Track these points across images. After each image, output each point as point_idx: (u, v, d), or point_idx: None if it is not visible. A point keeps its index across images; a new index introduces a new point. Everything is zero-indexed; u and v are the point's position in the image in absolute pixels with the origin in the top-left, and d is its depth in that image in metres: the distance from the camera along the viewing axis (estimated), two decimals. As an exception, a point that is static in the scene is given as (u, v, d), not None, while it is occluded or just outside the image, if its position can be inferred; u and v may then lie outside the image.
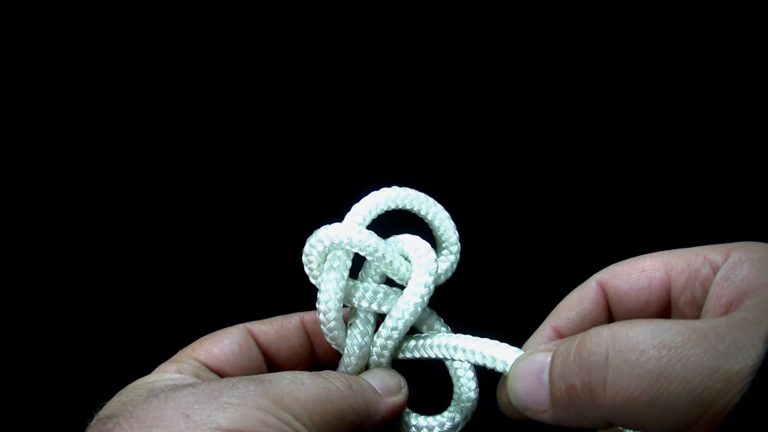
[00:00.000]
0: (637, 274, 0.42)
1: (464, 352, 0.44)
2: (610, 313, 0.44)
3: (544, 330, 0.44)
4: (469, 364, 0.46)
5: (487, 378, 0.45)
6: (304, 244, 0.45)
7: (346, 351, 0.46)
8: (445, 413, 0.46)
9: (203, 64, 0.73)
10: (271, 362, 0.47)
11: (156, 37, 0.72)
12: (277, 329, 0.47)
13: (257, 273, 0.72)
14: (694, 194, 0.71)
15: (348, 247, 0.44)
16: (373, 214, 0.45)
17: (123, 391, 0.42)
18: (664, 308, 0.42)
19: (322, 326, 0.45)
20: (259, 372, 0.46)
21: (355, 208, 0.45)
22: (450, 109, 0.74)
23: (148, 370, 0.45)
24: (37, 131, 0.72)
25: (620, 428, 0.39)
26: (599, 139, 0.73)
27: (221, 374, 0.45)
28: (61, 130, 0.72)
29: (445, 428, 0.45)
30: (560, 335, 0.44)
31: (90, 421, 0.40)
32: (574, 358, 0.35)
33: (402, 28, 0.73)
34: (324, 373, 0.42)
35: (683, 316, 0.41)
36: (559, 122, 0.74)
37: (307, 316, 0.48)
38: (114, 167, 0.72)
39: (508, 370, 0.41)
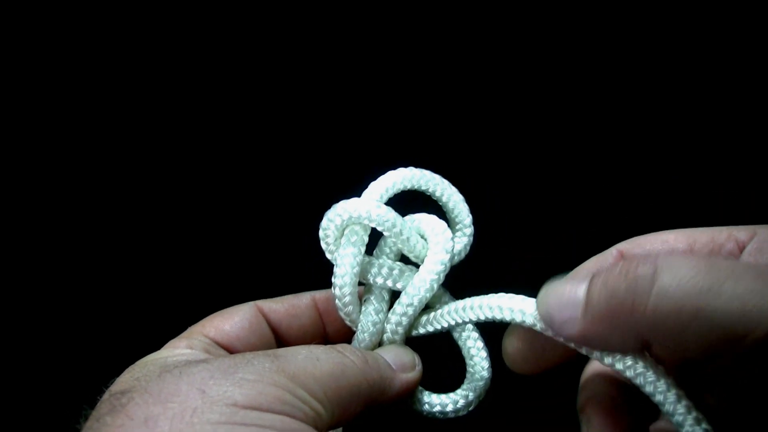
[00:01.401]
0: (659, 244, 0.41)
1: (480, 309, 0.43)
2: None
3: None
4: (482, 344, 0.46)
5: (500, 357, 0.45)
6: (309, 230, 0.45)
7: (360, 327, 0.45)
8: (458, 391, 0.45)
9: (207, 62, 0.73)
10: (282, 341, 0.47)
11: (156, 38, 0.72)
12: (288, 307, 0.47)
13: (266, 256, 0.71)
14: (694, 194, 0.71)
15: (366, 222, 0.44)
16: (390, 193, 0.45)
17: (134, 366, 0.41)
18: None
19: (336, 301, 0.45)
20: (267, 347, 0.45)
21: (373, 185, 0.45)
22: (450, 109, 0.75)
23: (157, 348, 0.44)
24: (38, 131, 0.72)
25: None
26: (599, 139, 0.74)
27: (231, 351, 0.44)
28: (62, 130, 0.72)
29: (458, 406, 0.45)
30: None
31: (101, 397, 0.40)
32: (621, 270, 0.34)
33: (403, 29, 0.73)
34: (339, 346, 0.41)
35: None
36: (559, 123, 0.74)
37: (318, 295, 0.47)
38: (128, 154, 0.72)
39: (527, 319, 0.40)
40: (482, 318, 0.43)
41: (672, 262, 0.32)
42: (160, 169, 0.73)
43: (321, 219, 0.45)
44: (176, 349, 0.43)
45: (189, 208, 0.72)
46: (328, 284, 0.46)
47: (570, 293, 0.36)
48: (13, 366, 0.69)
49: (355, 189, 0.47)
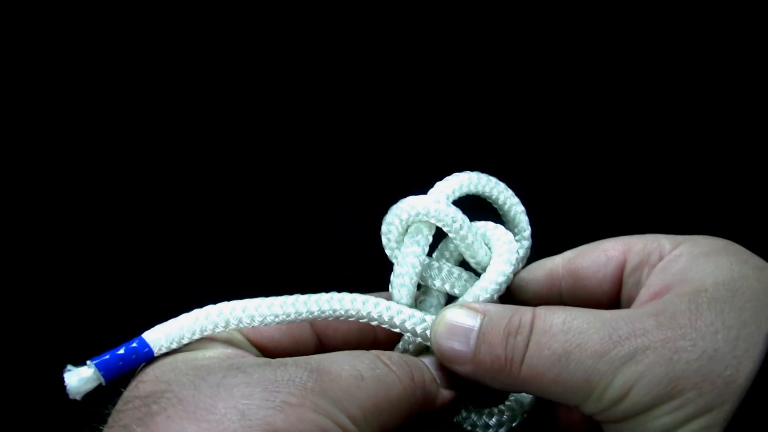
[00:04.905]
0: (598, 252, 0.43)
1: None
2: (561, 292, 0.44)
3: None
4: None
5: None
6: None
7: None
8: (501, 406, 0.44)
9: (216, 60, 0.71)
10: (324, 345, 0.44)
11: (156, 37, 0.70)
12: None
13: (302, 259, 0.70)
14: (695, 194, 0.71)
15: (433, 220, 0.42)
16: (456, 194, 0.44)
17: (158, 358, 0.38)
18: (617, 288, 0.43)
19: (394, 301, 0.42)
20: (303, 350, 0.43)
21: (439, 185, 0.44)
22: (450, 108, 0.74)
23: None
24: (38, 131, 0.70)
25: None
26: (600, 139, 0.73)
27: (259, 348, 0.42)
28: (63, 130, 0.70)
29: (500, 422, 0.43)
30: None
31: (124, 390, 0.37)
32: (504, 333, 0.38)
33: (404, 29, 0.72)
34: (386, 357, 0.39)
35: (629, 298, 0.41)
36: (560, 123, 0.74)
37: None
38: (158, 143, 0.71)
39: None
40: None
41: (538, 328, 0.37)
42: (198, 165, 0.72)
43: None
44: (202, 342, 0.40)
45: (224, 201, 0.72)
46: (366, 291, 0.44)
47: (461, 342, 0.39)
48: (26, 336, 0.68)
49: (354, 187, 0.44)
